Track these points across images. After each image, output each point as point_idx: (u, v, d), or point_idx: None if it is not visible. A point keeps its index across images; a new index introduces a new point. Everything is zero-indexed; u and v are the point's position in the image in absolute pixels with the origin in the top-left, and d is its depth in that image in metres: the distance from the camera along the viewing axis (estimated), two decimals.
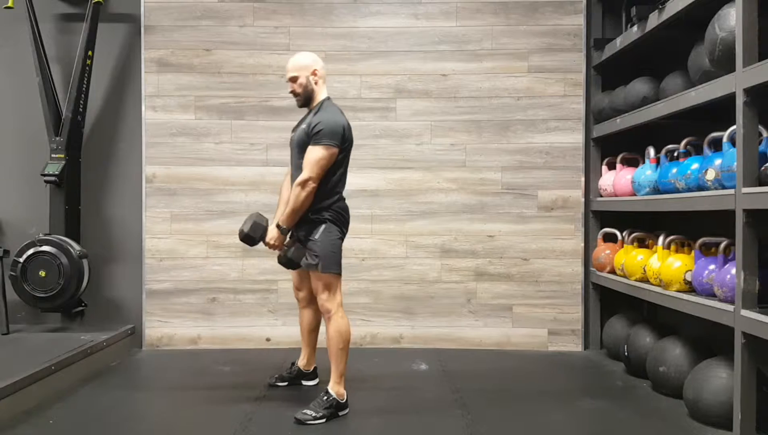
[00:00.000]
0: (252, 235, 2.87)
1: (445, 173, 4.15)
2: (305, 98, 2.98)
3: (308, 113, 2.99)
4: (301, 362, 3.28)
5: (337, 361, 2.82)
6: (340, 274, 2.90)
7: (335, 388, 2.80)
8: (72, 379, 3.25)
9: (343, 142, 2.86)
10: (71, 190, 4.04)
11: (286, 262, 2.89)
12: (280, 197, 3.21)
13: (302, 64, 2.97)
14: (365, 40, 4.17)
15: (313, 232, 2.86)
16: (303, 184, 2.80)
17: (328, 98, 2.99)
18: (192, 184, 4.16)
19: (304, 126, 2.93)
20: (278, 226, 2.88)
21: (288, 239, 2.93)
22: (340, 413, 2.79)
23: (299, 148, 2.92)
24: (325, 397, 2.78)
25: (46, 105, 3.98)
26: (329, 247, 2.85)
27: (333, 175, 2.88)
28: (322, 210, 2.87)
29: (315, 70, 2.96)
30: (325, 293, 2.85)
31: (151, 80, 4.16)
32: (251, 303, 4.15)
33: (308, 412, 2.73)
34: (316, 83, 2.96)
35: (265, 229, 2.90)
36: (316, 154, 2.80)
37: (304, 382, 3.27)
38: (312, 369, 3.29)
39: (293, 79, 2.97)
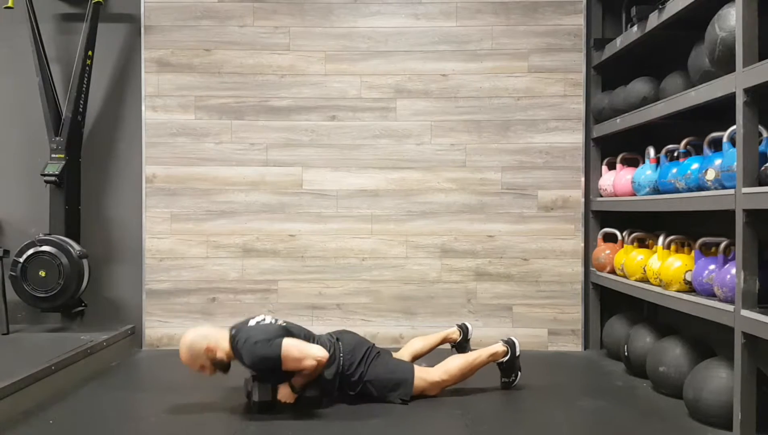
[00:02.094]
0: (265, 401, 2.80)
1: (445, 173, 4.15)
2: (223, 367, 2.86)
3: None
4: None
5: (474, 370, 3.11)
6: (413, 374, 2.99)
7: (495, 355, 3.13)
8: (72, 379, 3.25)
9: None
10: (71, 190, 4.04)
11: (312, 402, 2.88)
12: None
13: (192, 357, 2.81)
14: (365, 40, 4.17)
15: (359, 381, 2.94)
16: (315, 369, 2.76)
17: (232, 332, 2.83)
18: (192, 184, 4.16)
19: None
20: (291, 386, 2.83)
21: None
22: (517, 352, 3.17)
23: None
24: (502, 366, 3.14)
25: (46, 105, 3.98)
26: (388, 375, 2.96)
27: None
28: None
29: (206, 348, 2.79)
30: (429, 388, 3.00)
31: (151, 80, 4.16)
32: (251, 303, 4.15)
33: (506, 380, 3.15)
34: (215, 353, 2.80)
35: (271, 389, 2.82)
36: (290, 358, 2.71)
37: None
38: None
39: (201, 370, 2.84)
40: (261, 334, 2.75)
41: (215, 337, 2.84)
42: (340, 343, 2.99)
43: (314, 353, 2.73)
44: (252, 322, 2.89)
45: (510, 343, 3.18)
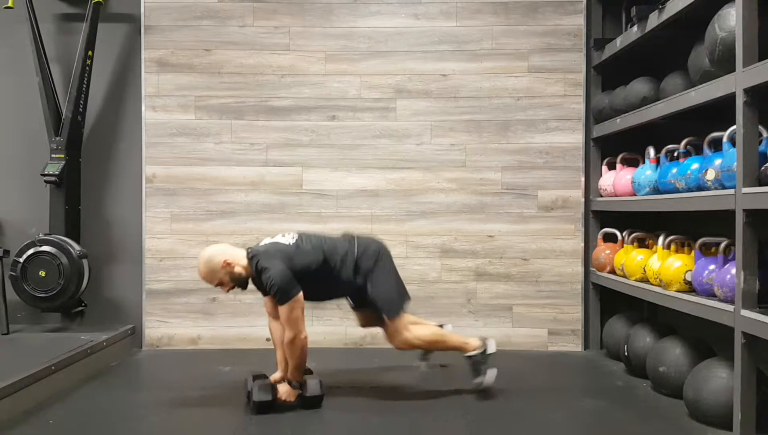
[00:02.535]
0: (266, 400, 2.80)
1: (445, 173, 4.15)
2: (241, 283, 2.91)
3: (254, 277, 2.92)
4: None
5: (446, 348, 3.12)
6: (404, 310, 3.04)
7: (469, 352, 3.08)
8: (72, 379, 3.25)
9: (298, 272, 2.83)
10: (71, 190, 4.04)
11: (311, 404, 2.88)
12: (274, 342, 3.13)
13: (210, 271, 2.86)
14: (365, 40, 4.17)
15: (366, 279, 3.00)
16: (290, 343, 2.82)
17: (250, 255, 2.88)
18: (192, 184, 4.16)
19: (262, 291, 2.97)
20: (289, 382, 2.89)
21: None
22: (489, 351, 3.09)
23: (272, 299, 2.93)
24: (471, 361, 3.07)
25: (46, 105, 3.98)
26: (390, 292, 3.01)
27: (327, 270, 2.93)
28: (360, 270, 2.98)
29: (223, 262, 2.84)
30: (399, 334, 2.99)
31: (151, 80, 4.16)
32: (251, 303, 4.14)
33: (476, 380, 3.07)
34: (233, 267, 2.85)
35: (272, 388, 2.85)
36: (285, 314, 2.79)
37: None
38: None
39: (219, 285, 2.90)
40: (279, 277, 2.77)
41: (233, 252, 2.90)
42: (356, 240, 3.06)
43: (301, 330, 2.81)
44: (267, 241, 2.96)
45: (484, 340, 3.13)
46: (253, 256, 2.87)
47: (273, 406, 2.82)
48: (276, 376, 3.03)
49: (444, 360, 3.56)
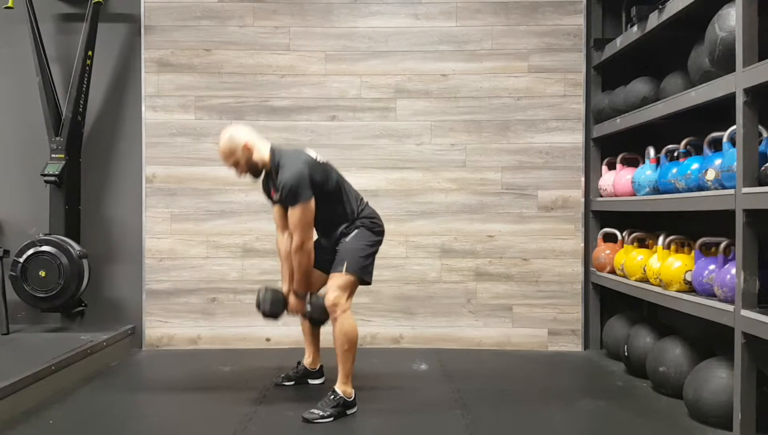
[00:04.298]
0: (275, 312, 2.88)
1: (445, 173, 4.15)
2: (254, 171, 2.94)
3: (270, 172, 2.94)
4: (307, 361, 3.29)
5: (343, 361, 2.80)
6: (363, 282, 2.91)
7: (342, 387, 2.80)
8: (72, 379, 3.25)
9: (313, 186, 2.82)
10: (71, 190, 4.04)
11: (314, 321, 2.92)
12: (280, 257, 3.14)
13: (230, 148, 2.89)
14: (365, 40, 4.17)
15: (346, 235, 2.94)
16: (297, 249, 2.83)
17: (273, 150, 2.93)
18: (192, 184, 4.16)
19: (274, 189, 2.95)
20: (295, 293, 2.92)
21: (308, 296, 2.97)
22: (348, 411, 2.79)
23: (283, 208, 2.94)
24: (332, 396, 2.78)
25: (46, 105, 3.98)
26: (358, 252, 2.90)
27: (333, 202, 2.92)
28: (352, 224, 2.96)
29: (245, 144, 2.87)
30: (338, 291, 2.81)
31: (151, 80, 4.16)
32: (251, 303, 4.10)
33: (315, 411, 2.73)
34: (252, 152, 2.88)
35: (282, 301, 2.91)
36: (295, 217, 2.81)
37: (311, 381, 3.27)
38: (318, 368, 3.30)
39: (234, 165, 2.91)
40: (296, 177, 2.76)
41: (257, 139, 2.93)
42: (367, 202, 3.09)
43: (310, 237, 2.83)
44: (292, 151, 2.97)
45: (354, 398, 2.83)
46: (277, 152, 2.90)
47: (280, 314, 2.89)
48: (282, 290, 3.07)
49: (447, 361, 3.57)
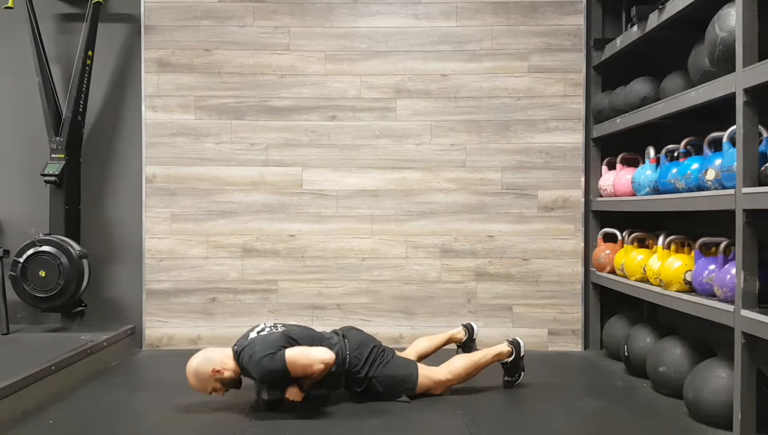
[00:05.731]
0: (276, 399, 2.80)
1: (445, 173, 4.15)
2: (234, 384, 2.84)
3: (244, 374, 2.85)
4: None
5: (483, 366, 3.16)
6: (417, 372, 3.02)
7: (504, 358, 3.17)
8: (72, 379, 3.25)
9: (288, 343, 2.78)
10: (71, 190, 4.04)
11: (317, 401, 2.88)
12: None
13: (201, 382, 2.79)
14: (365, 40, 4.17)
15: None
16: (323, 371, 2.76)
17: (236, 352, 2.80)
18: (192, 184, 4.16)
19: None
20: (299, 385, 2.83)
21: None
22: (521, 352, 3.19)
23: None
24: (506, 365, 3.17)
25: (46, 105, 3.98)
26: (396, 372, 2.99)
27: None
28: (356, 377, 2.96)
29: (211, 372, 2.76)
30: (434, 387, 3.02)
31: (151, 80, 4.16)
32: (251, 303, 4.15)
33: (508, 377, 3.18)
34: (222, 373, 2.77)
35: (280, 384, 2.83)
36: (298, 365, 2.71)
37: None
38: None
39: (213, 392, 2.82)
40: (263, 349, 2.72)
41: (219, 357, 2.81)
42: (346, 340, 2.99)
43: (320, 357, 2.73)
44: (252, 335, 2.85)
45: (515, 344, 3.20)
46: (239, 357, 2.79)
47: (281, 404, 2.81)
48: None
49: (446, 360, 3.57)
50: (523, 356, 3.20)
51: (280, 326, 2.93)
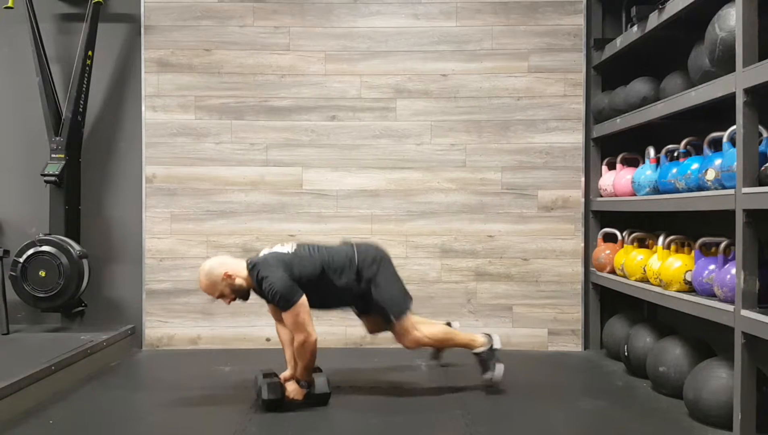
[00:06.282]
0: (275, 399, 2.83)
1: (445, 173, 4.15)
2: (242, 294, 2.92)
3: (254, 288, 2.93)
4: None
5: (455, 344, 3.20)
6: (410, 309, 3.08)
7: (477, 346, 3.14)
8: (72, 379, 3.25)
9: (300, 281, 2.83)
10: (71, 190, 4.04)
11: (318, 401, 2.90)
12: (282, 342, 3.13)
13: (211, 283, 2.86)
14: (365, 40, 4.17)
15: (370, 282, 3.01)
16: (301, 346, 2.82)
17: (250, 265, 2.88)
18: (192, 184, 4.16)
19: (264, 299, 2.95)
20: (298, 381, 2.91)
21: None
22: (494, 345, 3.14)
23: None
24: (478, 357, 3.13)
25: (46, 105, 3.98)
26: (391, 292, 3.03)
27: (326, 279, 2.93)
28: (362, 276, 2.99)
29: (224, 275, 2.84)
30: (407, 335, 3.03)
31: (151, 80, 4.16)
32: (251, 303, 4.09)
33: (487, 375, 3.11)
34: (234, 279, 2.85)
35: (280, 386, 2.87)
36: (291, 319, 2.80)
37: None
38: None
39: (220, 297, 2.90)
40: (279, 284, 2.78)
41: (233, 264, 2.90)
42: (356, 247, 3.06)
43: (310, 332, 2.81)
44: (265, 251, 2.95)
45: (489, 336, 3.19)
46: (253, 267, 2.87)
47: (281, 404, 2.83)
48: (286, 374, 3.02)
49: (445, 360, 3.57)
50: (495, 350, 3.15)
51: (294, 246, 2.99)
